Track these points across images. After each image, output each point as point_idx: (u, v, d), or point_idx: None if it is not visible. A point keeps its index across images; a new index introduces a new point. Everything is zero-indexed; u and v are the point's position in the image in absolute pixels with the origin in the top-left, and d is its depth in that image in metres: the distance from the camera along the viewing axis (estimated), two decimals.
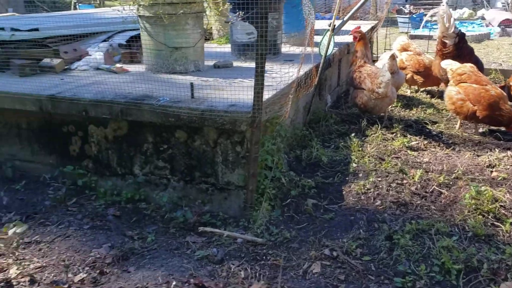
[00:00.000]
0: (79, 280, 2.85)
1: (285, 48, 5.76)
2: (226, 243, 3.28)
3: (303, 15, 5.55)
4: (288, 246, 3.22)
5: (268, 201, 3.58)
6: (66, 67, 4.75)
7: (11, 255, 3.03)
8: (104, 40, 5.41)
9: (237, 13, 5.01)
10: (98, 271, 2.94)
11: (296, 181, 3.84)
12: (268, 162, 3.71)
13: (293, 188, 3.78)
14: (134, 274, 2.93)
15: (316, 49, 4.91)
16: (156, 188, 3.90)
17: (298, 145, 4.55)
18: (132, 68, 4.86)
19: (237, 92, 3.72)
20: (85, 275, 2.90)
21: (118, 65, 4.83)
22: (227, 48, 6.01)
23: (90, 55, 5.00)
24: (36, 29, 5.15)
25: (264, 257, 3.12)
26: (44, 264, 3.00)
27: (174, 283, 2.83)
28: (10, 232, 3.02)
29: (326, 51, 4.86)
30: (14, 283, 2.82)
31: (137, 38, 5.45)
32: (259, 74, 3.34)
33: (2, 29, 5.17)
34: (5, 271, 2.91)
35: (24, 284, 2.82)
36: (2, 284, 2.81)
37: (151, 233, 3.43)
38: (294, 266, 3.01)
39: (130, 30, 5.67)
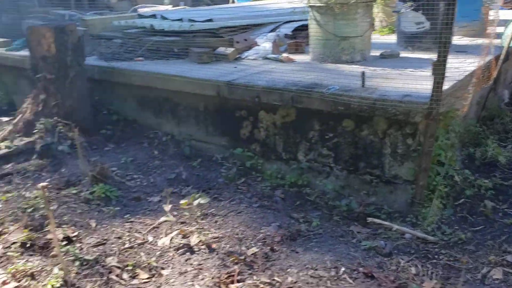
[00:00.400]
0: (252, 254, 3.02)
1: (456, 39, 5.38)
2: (393, 237, 3.20)
3: (480, 4, 5.14)
4: (463, 247, 3.02)
5: (440, 199, 3.39)
6: (237, 55, 5.04)
7: (194, 223, 3.34)
8: (271, 31, 5.62)
9: (408, 3, 4.82)
10: (269, 248, 3.08)
11: (471, 181, 3.58)
12: (441, 157, 3.52)
13: (467, 188, 3.53)
14: (302, 255, 3.02)
15: (496, 41, 4.49)
16: (318, 175, 3.96)
17: (470, 142, 4.23)
18: (297, 57, 4.98)
19: (410, 82, 3.59)
20: (257, 250, 3.06)
21: (284, 54, 4.98)
22: (390, 38, 5.85)
23: (259, 45, 5.23)
24: (210, 20, 5.56)
25: (436, 256, 2.97)
26: (220, 235, 3.25)
27: (343, 269, 2.85)
28: (195, 202, 3.31)
29: (510, 42, 4.42)
30: (196, 249, 3.10)
31: (301, 28, 5.59)
32: (441, 64, 3.17)
33: (181, 20, 5.69)
34: (188, 237, 3.22)
35: (204, 251, 3.08)
36: (185, 248, 3.11)
37: (315, 218, 3.49)
38: (470, 269, 2.82)
39: (295, 21, 5.82)
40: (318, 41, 4.69)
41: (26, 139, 4.33)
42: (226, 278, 2.78)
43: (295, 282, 2.76)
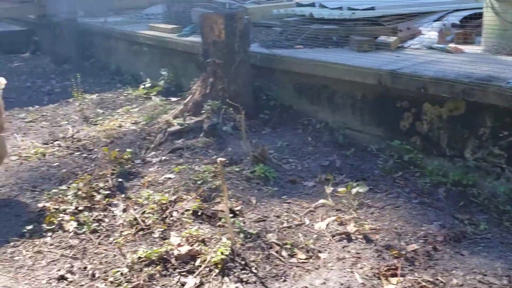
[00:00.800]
0: (412, 250, 2.93)
1: None
2: None
3: None
4: None
5: None
6: (399, 44, 4.87)
7: (350, 212, 3.34)
8: (437, 19, 5.31)
9: None
10: (431, 246, 2.95)
11: None
12: None
13: None
14: (468, 258, 2.84)
15: None
16: (487, 175, 3.66)
17: None
18: (466, 48, 4.64)
19: None
20: (417, 247, 2.96)
21: (451, 44, 4.68)
22: None
23: (423, 34, 4.99)
24: (372, 8, 5.44)
25: None
26: (377, 227, 3.19)
27: None
28: (353, 191, 3.31)
29: None
30: (353, 238, 3.10)
31: (471, 18, 5.19)
32: None
33: (340, 8, 5.67)
34: (344, 225, 3.23)
35: (361, 240, 3.06)
36: (343, 235, 3.13)
37: (483, 221, 3.24)
38: None
39: (465, 9, 5.42)
40: (493, 31, 4.32)
41: (195, 118, 4.71)
42: (386, 271, 2.74)
43: (461, 285, 2.61)
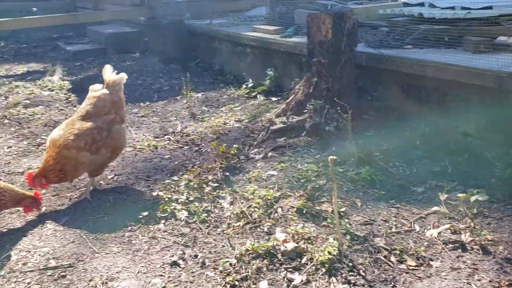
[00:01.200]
0: None
1: None
2: None
3: None
4: None
5: None
6: None
7: (464, 220, 3.15)
8: None
9: None
10: None
11: None
12: None
13: None
14: None
15: None
16: None
17: None
18: None
19: None
20: None
21: None
22: None
23: None
24: (489, 7, 5.10)
25: None
26: (495, 239, 2.98)
27: None
28: (472, 198, 3.12)
29: None
30: (468, 248, 2.92)
31: None
32: None
33: (453, 7, 5.38)
34: (458, 234, 3.05)
35: (477, 251, 2.88)
36: (457, 244, 2.96)
37: None
38: None
39: None
40: None
41: (297, 118, 4.74)
42: (507, 285, 2.55)
43: None
